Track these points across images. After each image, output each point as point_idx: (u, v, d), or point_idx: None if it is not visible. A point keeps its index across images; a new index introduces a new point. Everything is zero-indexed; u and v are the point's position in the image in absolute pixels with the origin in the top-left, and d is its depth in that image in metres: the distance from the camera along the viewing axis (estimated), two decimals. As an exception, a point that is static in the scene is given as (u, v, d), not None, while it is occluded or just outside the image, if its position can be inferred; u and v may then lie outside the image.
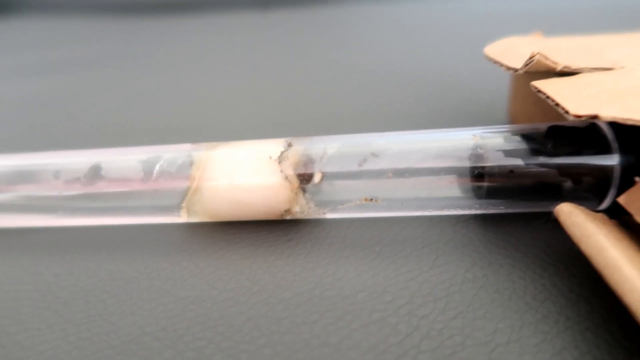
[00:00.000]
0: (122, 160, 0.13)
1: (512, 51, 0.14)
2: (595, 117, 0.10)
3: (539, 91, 0.12)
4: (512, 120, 0.19)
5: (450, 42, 0.34)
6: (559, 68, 0.12)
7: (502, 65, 0.13)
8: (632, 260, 0.09)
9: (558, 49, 0.15)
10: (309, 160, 0.12)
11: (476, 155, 0.12)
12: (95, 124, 0.24)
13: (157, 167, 0.13)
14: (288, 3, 0.54)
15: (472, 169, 0.12)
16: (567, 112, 0.10)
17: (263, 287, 0.11)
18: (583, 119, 0.10)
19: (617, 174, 0.12)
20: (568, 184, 0.12)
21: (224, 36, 0.43)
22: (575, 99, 0.11)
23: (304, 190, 0.12)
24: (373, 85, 0.26)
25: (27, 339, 0.10)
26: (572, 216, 0.11)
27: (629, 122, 0.10)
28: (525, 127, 0.13)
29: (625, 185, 0.11)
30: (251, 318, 0.10)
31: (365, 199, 0.12)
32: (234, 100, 0.26)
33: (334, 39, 0.39)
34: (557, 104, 0.11)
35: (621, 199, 0.11)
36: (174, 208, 0.13)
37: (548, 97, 0.11)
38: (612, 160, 0.11)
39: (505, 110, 0.20)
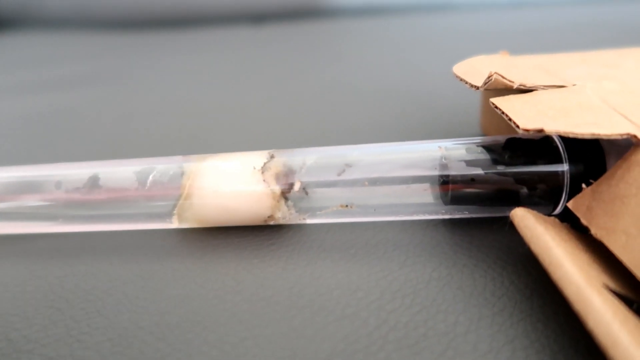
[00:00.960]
0: (119, 171, 0.14)
1: (477, 69, 0.16)
2: (541, 130, 0.11)
3: (496, 107, 0.13)
4: (483, 132, 0.20)
5: (431, 58, 0.36)
6: (514, 86, 0.13)
7: (466, 83, 0.15)
8: (574, 258, 0.10)
9: (518, 67, 0.16)
10: (289, 171, 0.14)
11: (441, 165, 0.13)
12: (92, 138, 0.25)
13: (151, 177, 0.14)
14: (279, 19, 0.56)
15: (438, 177, 0.13)
16: (517, 126, 0.12)
17: (247, 286, 0.12)
18: (531, 132, 0.11)
19: (567, 182, 0.13)
20: (524, 190, 0.13)
21: (218, 51, 0.44)
22: (526, 115, 0.12)
23: (285, 198, 0.14)
24: (357, 98, 0.27)
25: (32, 333, 0.11)
26: (524, 219, 0.12)
27: (570, 135, 0.11)
28: (486, 139, 0.14)
29: (575, 191, 0.13)
30: (235, 314, 0.12)
31: (342, 206, 0.13)
32: (223, 113, 0.27)
33: (322, 53, 0.41)
34: (510, 119, 0.12)
35: (570, 204, 0.12)
36: (166, 215, 0.14)
37: (503, 112, 0.12)
38: (562, 169, 0.13)
39: (478, 123, 0.21)
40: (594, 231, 0.11)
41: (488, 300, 0.12)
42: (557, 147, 0.13)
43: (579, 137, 0.11)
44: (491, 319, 0.11)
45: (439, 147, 0.14)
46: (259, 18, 0.56)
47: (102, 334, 0.11)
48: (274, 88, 0.31)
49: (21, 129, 0.27)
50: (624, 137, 0.11)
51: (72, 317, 0.12)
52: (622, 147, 0.12)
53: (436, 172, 0.13)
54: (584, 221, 0.12)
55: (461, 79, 0.15)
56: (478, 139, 0.14)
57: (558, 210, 0.13)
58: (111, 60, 0.43)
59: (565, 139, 0.13)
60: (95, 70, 0.39)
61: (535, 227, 0.11)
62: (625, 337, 0.08)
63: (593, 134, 0.11)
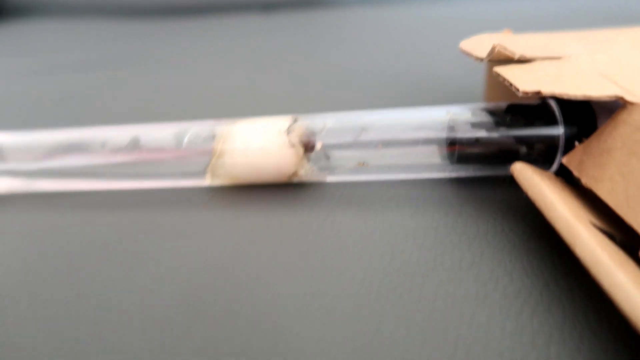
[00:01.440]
0: (157, 133, 0.16)
1: (482, 45, 0.17)
2: (538, 92, 0.13)
3: (498, 74, 0.14)
4: (487, 107, 0.22)
5: (435, 44, 0.37)
6: (516, 57, 0.15)
7: (472, 56, 0.16)
8: (565, 202, 0.12)
9: (519, 42, 0.17)
10: (311, 133, 0.15)
11: (449, 127, 0.15)
12: (110, 119, 0.26)
13: (186, 138, 0.15)
14: (288, 6, 0.57)
15: (446, 139, 0.15)
16: (517, 89, 0.13)
17: (273, 232, 0.14)
18: (529, 94, 0.13)
19: (562, 141, 0.14)
20: (523, 150, 0.15)
21: (229, 37, 0.46)
22: (526, 80, 0.14)
23: (307, 157, 0.15)
24: (366, 81, 0.29)
25: (86, 275, 0.13)
26: (523, 172, 0.13)
27: (564, 96, 0.13)
28: (490, 104, 0.15)
29: (569, 150, 0.14)
30: (264, 253, 0.13)
31: (359, 163, 0.15)
32: (236, 97, 0.28)
33: (330, 39, 0.42)
34: (511, 84, 0.14)
35: (564, 160, 0.14)
36: (200, 173, 0.15)
37: (504, 79, 0.14)
38: (558, 130, 0.14)
39: (482, 97, 0.23)
40: (584, 181, 0.13)
41: (489, 242, 0.13)
42: (553, 111, 0.14)
43: (572, 98, 0.13)
44: (492, 255, 0.13)
45: (447, 111, 0.15)
46: (268, 6, 0.57)
47: (151, 269, 0.13)
48: (285, 72, 0.33)
49: (41, 110, 0.28)
50: (612, 98, 0.12)
51: (121, 260, 0.13)
52: (612, 110, 0.14)
53: (444, 134, 0.15)
54: (575, 173, 0.13)
55: (467, 53, 0.17)
56: (482, 104, 0.15)
57: (554, 168, 0.15)
58: (127, 46, 0.44)
59: (561, 104, 0.14)
60: (113, 56, 0.40)
61: (532, 178, 0.13)
62: (607, 259, 0.10)
63: (584, 96, 0.13)
